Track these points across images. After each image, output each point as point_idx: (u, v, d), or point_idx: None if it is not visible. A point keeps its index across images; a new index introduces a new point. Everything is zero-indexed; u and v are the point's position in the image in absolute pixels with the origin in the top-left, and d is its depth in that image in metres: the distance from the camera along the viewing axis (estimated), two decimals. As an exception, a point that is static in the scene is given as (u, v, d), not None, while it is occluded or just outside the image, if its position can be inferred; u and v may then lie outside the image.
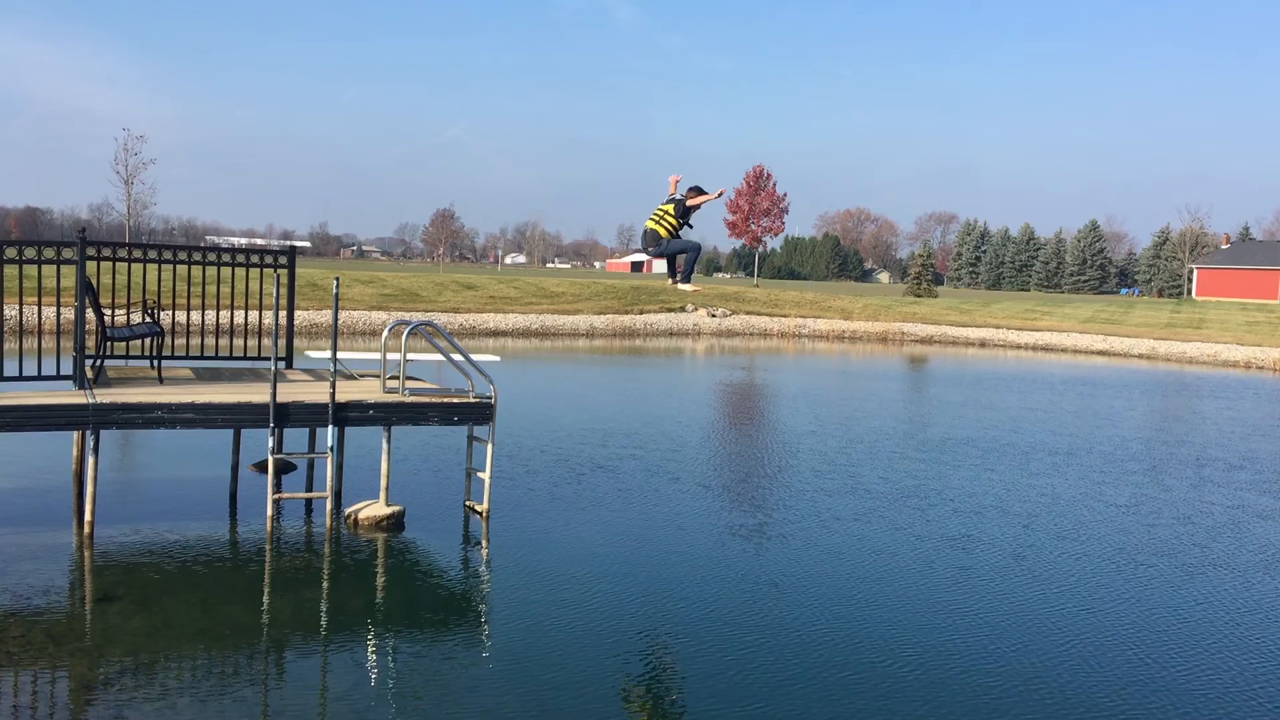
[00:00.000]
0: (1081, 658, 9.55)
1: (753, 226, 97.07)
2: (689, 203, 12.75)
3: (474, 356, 13.92)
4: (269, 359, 14.03)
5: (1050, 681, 8.96)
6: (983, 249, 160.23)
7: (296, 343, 16.13)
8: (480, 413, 13.36)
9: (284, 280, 14.59)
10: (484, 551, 12.62)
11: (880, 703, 8.39)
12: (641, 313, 56.34)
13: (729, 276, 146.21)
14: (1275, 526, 15.03)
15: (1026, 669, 9.23)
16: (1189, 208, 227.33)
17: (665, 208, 12.89)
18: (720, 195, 13.35)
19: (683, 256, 13.04)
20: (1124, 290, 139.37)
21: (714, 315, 57.64)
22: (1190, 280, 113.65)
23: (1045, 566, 12.37)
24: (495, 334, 48.82)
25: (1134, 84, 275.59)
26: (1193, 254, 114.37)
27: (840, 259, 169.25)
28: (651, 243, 12.86)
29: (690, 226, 13.01)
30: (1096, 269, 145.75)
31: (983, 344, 56.30)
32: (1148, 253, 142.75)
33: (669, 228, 12.76)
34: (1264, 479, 18.83)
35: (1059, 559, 12.72)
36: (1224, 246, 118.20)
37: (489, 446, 13.29)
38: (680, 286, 13.17)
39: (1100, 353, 53.09)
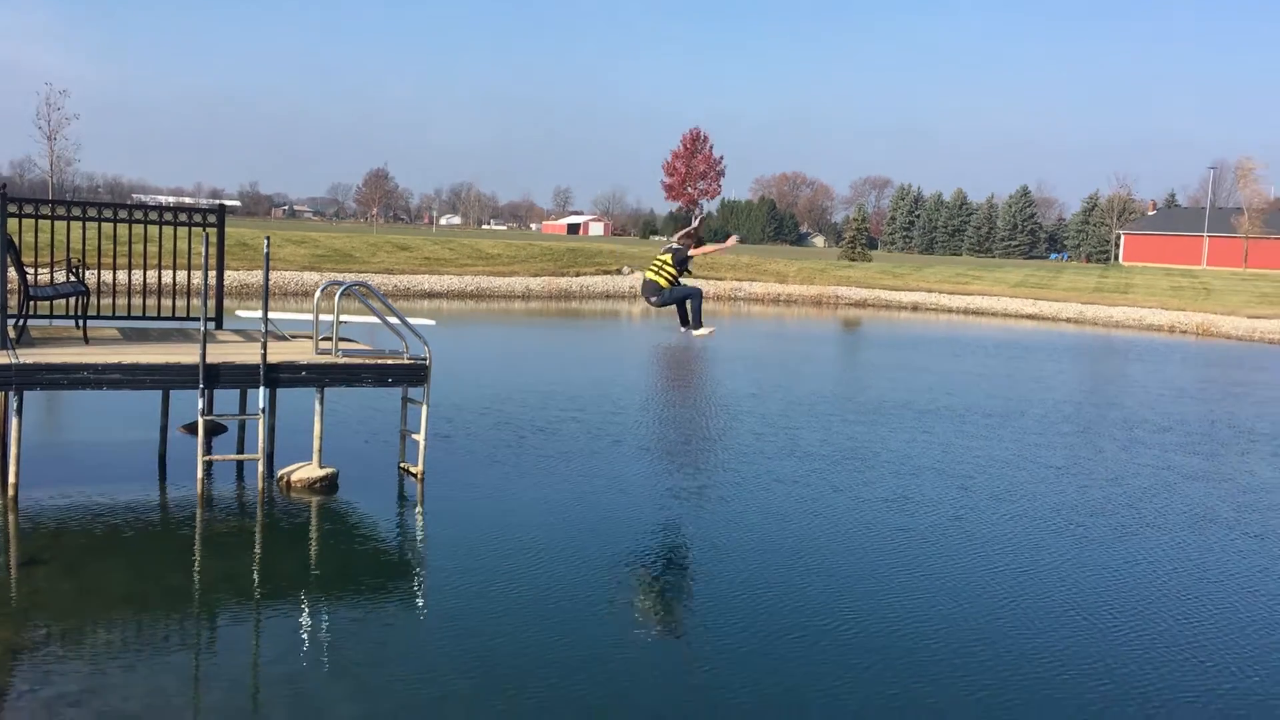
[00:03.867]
0: (1020, 616, 9.67)
1: (689, 189, 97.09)
2: (692, 253, 12.88)
3: (408, 318, 13.71)
4: (198, 319, 13.70)
5: (990, 640, 9.06)
6: (916, 214, 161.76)
7: (227, 303, 15.77)
8: (415, 374, 13.18)
9: (213, 239, 14.24)
10: (419, 514, 12.49)
11: (822, 664, 8.43)
12: (578, 275, 56.11)
13: (665, 239, 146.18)
14: (1203, 487, 15.37)
15: (966, 628, 9.34)
16: (1118, 174, 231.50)
17: (664, 258, 12.98)
18: (730, 243, 13.75)
19: (689, 303, 13.06)
20: (1053, 255, 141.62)
21: (651, 278, 57.65)
22: (1117, 246, 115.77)
23: (983, 527, 12.52)
24: (430, 296, 48.33)
25: (1068, 51, 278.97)
26: (1120, 220, 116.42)
27: (776, 222, 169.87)
28: (653, 293, 12.94)
29: (690, 274, 13.12)
30: (1027, 234, 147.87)
31: (915, 308, 56.91)
32: (1077, 218, 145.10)
33: (668, 277, 12.83)
34: (1191, 441, 19.24)
35: (996, 520, 12.89)
36: (1150, 213, 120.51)
37: (424, 408, 13.12)
38: (694, 333, 13.22)
39: (1030, 316, 53.92)
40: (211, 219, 14.86)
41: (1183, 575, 11.11)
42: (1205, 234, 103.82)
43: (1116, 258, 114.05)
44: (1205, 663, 8.75)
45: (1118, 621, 9.65)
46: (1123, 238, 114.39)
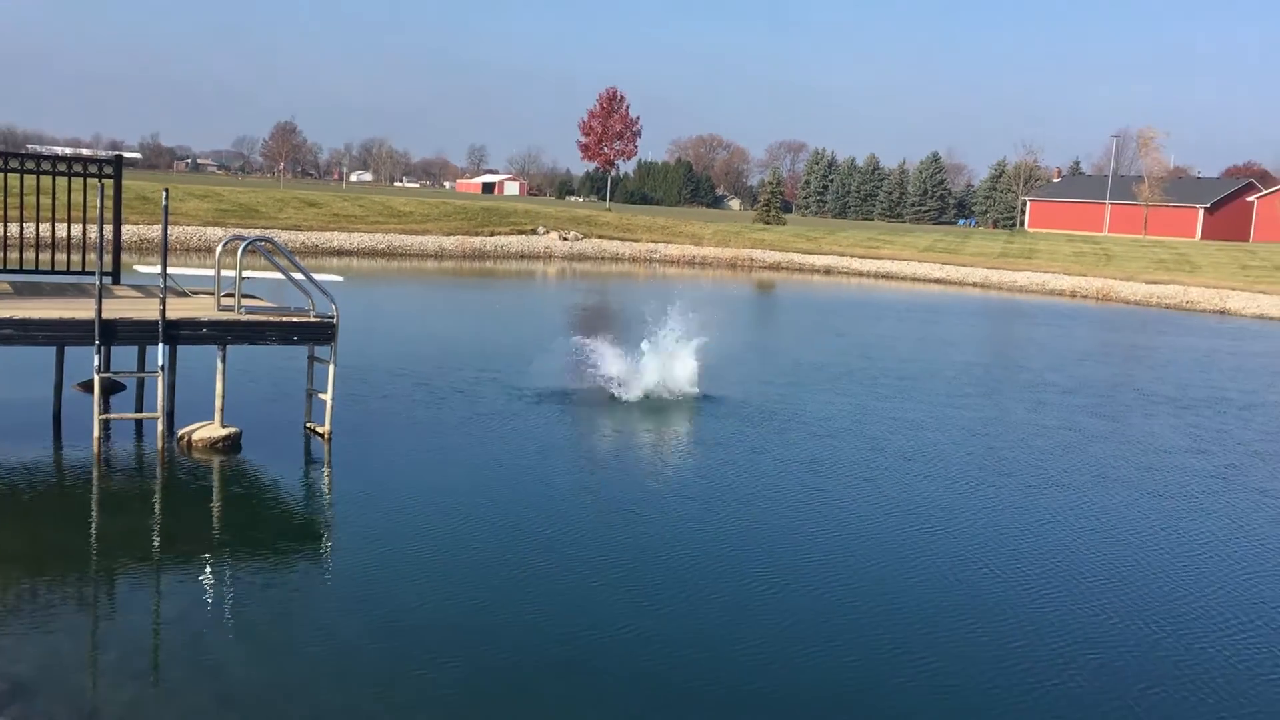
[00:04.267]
0: (933, 575, 9.83)
1: (605, 149, 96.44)
2: None
3: (316, 275, 13.39)
4: (94, 274, 13.22)
5: (902, 600, 9.19)
6: (830, 179, 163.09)
7: (125, 258, 15.26)
8: (321, 332, 12.88)
9: (109, 191, 13.73)
10: (326, 474, 12.26)
11: (732, 625, 8.47)
12: (492, 234, 55.51)
13: (581, 200, 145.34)
14: (1107, 447, 15.76)
15: (880, 587, 9.46)
16: (1025, 142, 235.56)
17: None
18: None
19: None
20: (961, 221, 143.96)
21: (566, 239, 57.21)
22: (1023, 212, 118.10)
23: (896, 488, 12.68)
24: (339, 253, 47.44)
25: (979, 19, 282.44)
26: (1026, 187, 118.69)
27: (693, 185, 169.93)
28: None
29: None
30: (936, 200, 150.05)
31: (828, 271, 57.46)
32: (985, 185, 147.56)
33: None
34: (1095, 403, 19.73)
35: (909, 480, 13.06)
36: (1055, 180, 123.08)
37: (331, 367, 12.86)
38: None
39: (937, 281, 54.79)
40: (108, 169, 14.32)
41: (1089, 532, 11.38)
42: (1107, 201, 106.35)
43: (1022, 224, 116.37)
44: (1110, 614, 8.98)
45: (1025, 578, 9.86)
46: (1028, 204, 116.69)
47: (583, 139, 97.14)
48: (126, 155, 16.06)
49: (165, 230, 12.08)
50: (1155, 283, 50.82)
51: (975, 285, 53.38)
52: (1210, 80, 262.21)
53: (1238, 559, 10.81)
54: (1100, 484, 13.48)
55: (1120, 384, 22.63)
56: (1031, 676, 7.74)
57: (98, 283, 11.55)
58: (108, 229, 12.85)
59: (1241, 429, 17.95)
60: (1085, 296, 49.89)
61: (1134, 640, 8.52)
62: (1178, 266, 56.82)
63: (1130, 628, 8.77)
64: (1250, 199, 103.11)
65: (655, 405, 16.40)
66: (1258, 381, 24.40)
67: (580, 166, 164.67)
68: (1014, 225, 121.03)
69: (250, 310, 12.81)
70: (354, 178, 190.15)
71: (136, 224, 40.56)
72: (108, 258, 14.39)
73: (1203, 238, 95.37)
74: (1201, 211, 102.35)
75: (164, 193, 12.30)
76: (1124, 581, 9.90)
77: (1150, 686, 7.69)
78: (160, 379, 12.13)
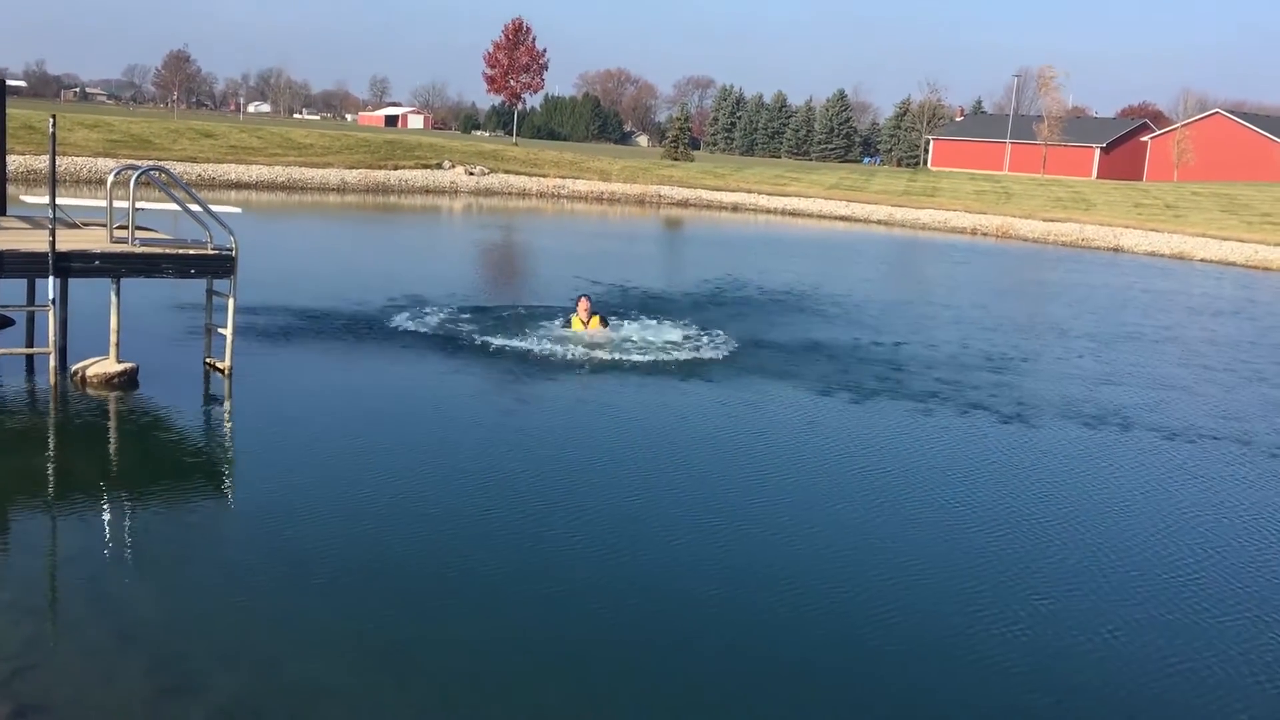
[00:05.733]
0: (847, 506, 10.09)
1: (511, 83, 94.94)
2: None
3: (213, 207, 13.06)
4: (-23, 204, 12.72)
5: (815, 534, 9.43)
6: (738, 115, 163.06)
7: (11, 190, 14.70)
8: (220, 265, 12.60)
9: (-8, 117, 13.18)
10: (226, 409, 12.08)
11: (595, 565, 8.61)
12: (396, 168, 54.52)
13: (488, 134, 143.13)
14: (1034, 380, 16.22)
15: (786, 522, 9.68)
16: (929, 81, 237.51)
17: None
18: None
19: None
20: (866, 159, 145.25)
21: (472, 174, 56.46)
22: (927, 151, 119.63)
23: (838, 424, 12.93)
24: (237, 186, 46.16)
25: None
26: (930, 126, 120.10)
27: (600, 120, 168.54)
28: None
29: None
30: (843, 138, 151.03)
31: (735, 208, 57.65)
32: (889, 123, 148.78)
33: None
34: (1025, 339, 20.27)
35: (850, 416, 13.31)
36: (958, 119, 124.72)
37: (230, 301, 12.60)
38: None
39: (843, 218, 55.36)
40: (-11, 96, 13.71)
41: (1013, 454, 11.78)
42: (1008, 140, 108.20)
43: (926, 163, 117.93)
44: (1040, 532, 9.34)
45: (947, 500, 10.19)
46: (932, 143, 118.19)
47: (488, 71, 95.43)
48: (10, 83, 15.38)
49: (53, 159, 11.65)
50: (1053, 220, 52.02)
51: (879, 223, 54.06)
52: (1110, 23, 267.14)
53: None
54: (1025, 412, 13.91)
55: (1039, 319, 23.27)
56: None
57: (-19, 213, 11.14)
58: (-9, 158, 12.38)
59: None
60: (985, 234, 50.87)
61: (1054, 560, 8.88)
62: (1074, 205, 58.21)
63: (1055, 545, 9.14)
64: (1144, 139, 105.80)
65: (550, 337, 16.31)
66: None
67: (486, 100, 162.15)
68: (918, 164, 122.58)
69: (144, 242, 12.47)
70: (251, 109, 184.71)
71: (22, 154, 38.97)
72: (-9, 188, 13.86)
73: (1098, 177, 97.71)
74: (1098, 151, 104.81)
75: (51, 120, 11.85)
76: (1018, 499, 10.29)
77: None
78: (51, 313, 11.77)
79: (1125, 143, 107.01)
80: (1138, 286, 32.13)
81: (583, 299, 17.00)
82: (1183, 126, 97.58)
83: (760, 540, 8.95)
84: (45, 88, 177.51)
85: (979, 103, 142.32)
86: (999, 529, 9.61)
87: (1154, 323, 24.37)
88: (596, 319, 16.63)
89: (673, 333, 17.49)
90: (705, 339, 17.26)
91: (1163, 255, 44.13)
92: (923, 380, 15.46)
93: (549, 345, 15.68)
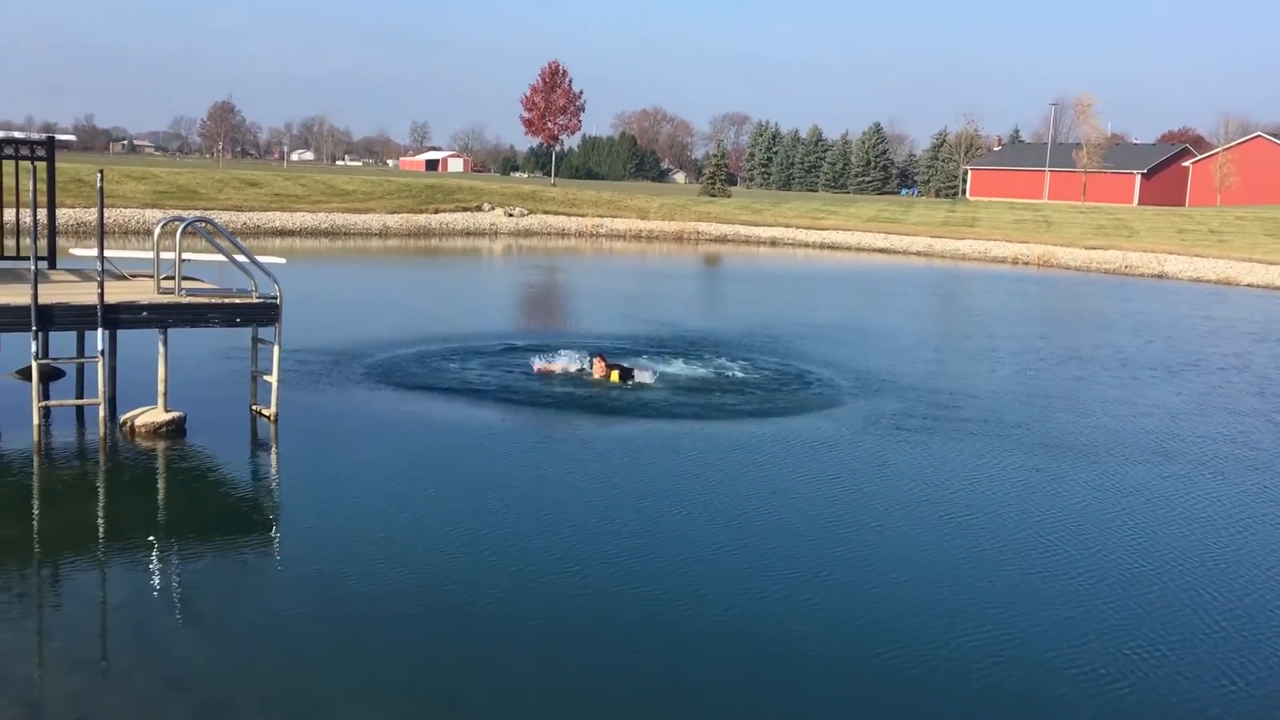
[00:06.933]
0: (896, 522, 10.00)
1: (549, 125, 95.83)
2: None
3: (258, 256, 13.25)
4: (29, 259, 12.98)
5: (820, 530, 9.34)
6: (774, 150, 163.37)
7: (61, 243, 15.00)
8: (265, 314, 12.77)
9: (42, 173, 13.47)
10: (273, 456, 12.19)
11: (684, 615, 8.56)
12: (437, 212, 55.10)
13: (526, 176, 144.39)
14: (1116, 416, 16.04)
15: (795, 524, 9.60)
16: (965, 111, 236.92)
17: None
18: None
19: None
20: (904, 191, 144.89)
21: (511, 215, 56.94)
22: (965, 181, 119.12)
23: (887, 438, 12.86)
24: (282, 234, 46.83)
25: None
26: (967, 156, 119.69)
27: (637, 158, 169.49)
28: None
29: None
30: (879, 170, 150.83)
31: (774, 243, 57.66)
32: (926, 154, 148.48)
33: None
34: (1105, 371, 20.05)
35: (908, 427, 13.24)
36: (996, 149, 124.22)
37: (275, 349, 12.74)
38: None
39: (882, 250, 55.20)
40: (40, 151, 14.01)
41: (1113, 500, 11.65)
42: (1047, 169, 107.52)
43: (964, 193, 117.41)
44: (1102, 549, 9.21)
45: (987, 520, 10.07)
46: (970, 173, 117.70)
47: (526, 114, 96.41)
48: (59, 137, 15.73)
49: (101, 212, 11.89)
50: (1095, 248, 51.58)
51: (919, 254, 53.85)
52: (1146, 47, 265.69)
53: None
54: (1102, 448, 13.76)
55: (1116, 350, 23.03)
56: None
57: (33, 267, 11.36)
58: (41, 212, 12.63)
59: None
60: (1027, 263, 50.51)
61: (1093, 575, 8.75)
62: (1116, 232, 57.71)
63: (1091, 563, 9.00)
64: (1185, 164, 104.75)
65: (616, 388, 16.32)
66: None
67: (524, 142, 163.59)
68: (956, 194, 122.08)
69: (191, 293, 12.67)
70: (295, 157, 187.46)
71: (72, 208, 39.80)
72: (42, 242, 14.13)
73: (1140, 203, 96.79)
74: (1138, 177, 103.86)
75: (99, 174, 12.10)
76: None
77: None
78: (100, 364, 11.97)
79: (1166, 168, 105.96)
80: (1197, 314, 31.68)
81: (598, 359, 16.64)
82: (1224, 150, 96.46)
83: (853, 588, 8.89)
84: (94, 141, 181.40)
85: (1016, 132, 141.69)
86: (1105, 581, 9.47)
87: (1217, 349, 24.03)
88: (615, 373, 16.32)
89: (726, 371, 17.50)
90: (757, 376, 17.25)
91: (1208, 281, 43.56)
92: (1002, 421, 15.30)
93: (593, 389, 15.69)
